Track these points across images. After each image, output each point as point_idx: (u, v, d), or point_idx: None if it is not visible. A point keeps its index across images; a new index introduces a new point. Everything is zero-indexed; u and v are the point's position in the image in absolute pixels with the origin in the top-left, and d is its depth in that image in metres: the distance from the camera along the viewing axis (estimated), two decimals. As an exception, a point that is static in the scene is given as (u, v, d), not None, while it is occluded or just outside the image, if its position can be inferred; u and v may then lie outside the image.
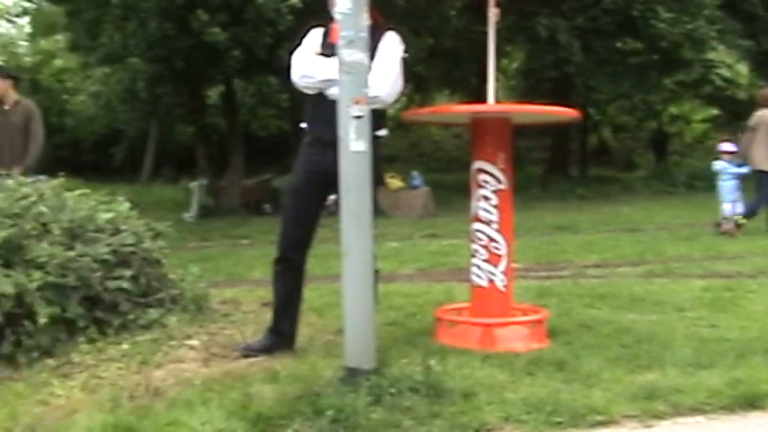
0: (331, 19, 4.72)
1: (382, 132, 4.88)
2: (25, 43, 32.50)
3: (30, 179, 6.25)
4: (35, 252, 5.18)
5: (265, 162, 21.40)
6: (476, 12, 17.83)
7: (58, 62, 29.11)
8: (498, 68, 6.54)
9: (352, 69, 4.17)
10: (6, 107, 8.59)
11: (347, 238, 4.22)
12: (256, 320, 5.99)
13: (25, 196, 5.67)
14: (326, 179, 4.57)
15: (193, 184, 16.89)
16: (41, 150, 8.60)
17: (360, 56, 4.18)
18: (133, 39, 16.43)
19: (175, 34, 15.64)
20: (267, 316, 5.69)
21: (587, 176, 25.28)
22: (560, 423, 3.85)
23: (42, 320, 4.95)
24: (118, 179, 20.50)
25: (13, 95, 8.67)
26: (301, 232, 5.01)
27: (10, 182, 5.99)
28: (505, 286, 5.45)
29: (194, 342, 5.39)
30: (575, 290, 7.27)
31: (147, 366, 4.93)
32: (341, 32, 4.20)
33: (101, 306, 5.43)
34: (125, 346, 5.23)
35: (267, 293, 6.51)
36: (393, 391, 4.07)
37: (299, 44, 5.00)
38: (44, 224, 5.44)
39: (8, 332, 4.93)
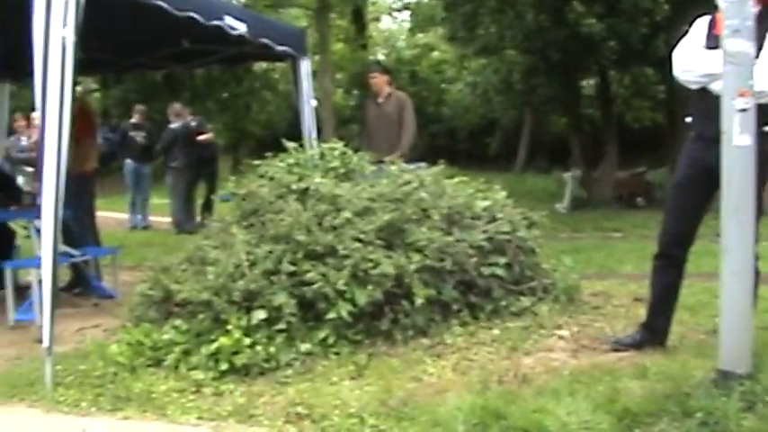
0: (715, 8, 4.49)
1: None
2: (405, 37, 34.00)
3: (411, 166, 6.55)
4: (415, 236, 5.42)
5: (638, 155, 20.87)
6: None
7: (436, 54, 30.14)
8: None
9: (736, 60, 3.94)
10: (380, 100, 9.10)
11: (727, 236, 4.02)
12: (627, 315, 5.88)
13: (407, 182, 5.95)
14: (710, 175, 4.36)
15: (567, 175, 16.84)
16: (414, 139, 9.01)
17: (745, 45, 3.94)
18: (509, 30, 16.66)
19: (551, 26, 15.67)
20: (638, 311, 5.57)
21: None
22: None
23: (419, 301, 5.17)
24: (492, 168, 20.87)
25: (386, 89, 9.16)
26: (683, 228, 4.83)
27: (393, 168, 6.31)
28: None
29: (564, 332, 5.39)
30: None
31: (517, 353, 5.01)
32: (725, 21, 3.98)
33: (474, 291, 5.58)
34: (496, 332, 5.34)
35: (639, 288, 6.38)
36: (768, 399, 3.84)
37: (683, 36, 4.80)
38: (424, 209, 5.68)
39: (387, 310, 5.21)
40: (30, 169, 12.45)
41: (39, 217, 5.04)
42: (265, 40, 7.28)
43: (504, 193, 6.39)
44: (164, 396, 4.55)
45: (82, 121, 6.77)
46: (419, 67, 29.38)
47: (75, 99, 5.07)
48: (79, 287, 7.88)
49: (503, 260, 5.72)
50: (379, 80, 9.16)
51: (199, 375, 4.79)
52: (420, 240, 5.39)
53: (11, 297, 6.68)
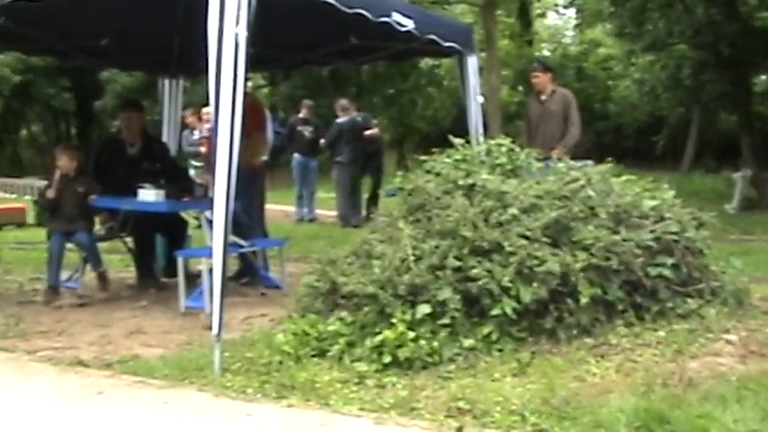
0: None
1: None
2: (571, 33, 33.60)
3: (577, 164, 6.47)
4: (581, 234, 5.36)
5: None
6: None
7: (603, 50, 29.67)
8: None
9: None
10: (544, 97, 9.04)
11: None
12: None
13: (574, 180, 5.88)
14: None
15: (736, 175, 16.29)
16: (578, 137, 8.90)
17: None
18: (678, 25, 16.28)
19: (722, 19, 15.22)
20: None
21: None
22: None
23: (584, 300, 5.11)
24: (658, 167, 20.41)
25: (550, 86, 9.08)
26: None
27: (560, 166, 6.25)
28: None
29: (732, 337, 5.21)
30: None
31: (682, 356, 4.87)
32: None
33: (640, 291, 5.46)
34: (661, 334, 5.21)
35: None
36: None
37: None
38: (591, 207, 5.60)
39: (551, 308, 5.16)
40: (198, 163, 12.96)
41: (210, 208, 5.22)
42: (433, 37, 7.32)
43: (672, 193, 6.23)
44: (327, 386, 4.65)
45: (252, 115, 6.98)
46: (586, 64, 28.97)
47: (246, 94, 5.23)
48: (247, 277, 8.13)
49: (670, 261, 5.58)
50: (541, 79, 9.11)
51: (362, 367, 4.87)
52: (586, 239, 5.32)
53: (182, 285, 6.96)
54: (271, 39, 5.68)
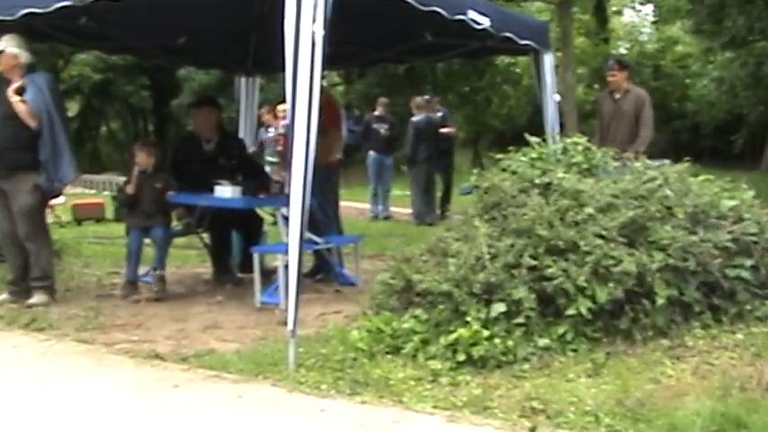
0: None
1: None
2: (648, 30, 33.13)
3: (654, 163, 6.39)
4: (658, 234, 5.30)
5: None
6: None
7: (680, 48, 29.23)
8: None
9: None
10: (618, 96, 8.94)
11: None
12: None
13: (651, 179, 5.82)
14: None
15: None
16: (649, 139, 8.77)
17: None
18: (759, 22, 15.98)
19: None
20: None
21: None
22: None
23: (660, 301, 5.05)
24: (736, 166, 20.00)
25: (625, 85, 8.97)
26: None
27: (637, 165, 6.19)
28: None
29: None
30: None
31: (761, 359, 4.77)
32: None
33: (718, 293, 5.38)
34: (739, 336, 5.13)
35: None
36: None
37: None
38: (668, 207, 5.53)
39: (627, 309, 5.11)
40: (274, 159, 13.08)
41: (286, 205, 5.27)
42: (508, 34, 7.29)
43: (751, 193, 6.13)
44: (401, 383, 4.66)
45: (328, 113, 7.02)
46: (663, 62, 28.56)
47: (322, 92, 5.26)
48: (322, 274, 8.18)
49: (749, 262, 5.48)
50: (618, 77, 9.01)
51: (436, 365, 4.87)
52: (663, 239, 5.26)
53: (258, 280, 7.03)
54: (346, 36, 5.70)
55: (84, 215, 15.92)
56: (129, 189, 7.69)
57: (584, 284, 4.99)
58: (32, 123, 7.01)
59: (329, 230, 8.06)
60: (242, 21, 8.24)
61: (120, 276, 8.12)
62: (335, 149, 8.28)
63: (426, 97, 15.02)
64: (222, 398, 4.63)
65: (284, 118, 12.76)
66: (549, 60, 8.07)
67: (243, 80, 9.90)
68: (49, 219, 8.58)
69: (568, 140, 6.60)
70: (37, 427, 4.23)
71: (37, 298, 7.16)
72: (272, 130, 13.71)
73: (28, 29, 7.13)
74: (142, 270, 7.84)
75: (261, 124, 12.84)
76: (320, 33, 5.04)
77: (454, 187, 14.39)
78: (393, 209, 15.48)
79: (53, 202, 9.53)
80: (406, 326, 5.26)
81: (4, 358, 5.63)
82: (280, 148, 12.97)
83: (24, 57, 7.17)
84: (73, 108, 32.92)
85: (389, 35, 8.26)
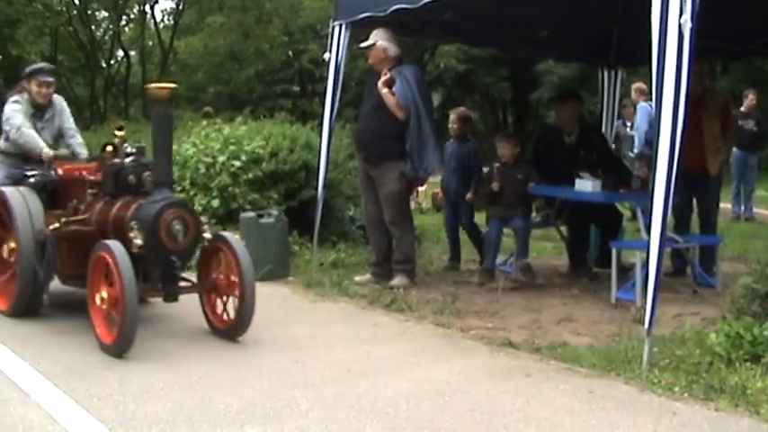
0: None
1: None
2: None
3: None
4: None
5: None
6: None
7: None
8: None
9: None
10: None
11: None
12: None
13: None
14: None
15: None
16: None
17: None
18: None
19: None
20: None
21: None
22: None
23: None
24: None
25: None
26: None
27: None
28: None
29: None
30: None
31: None
32: None
33: None
34: None
35: None
36: None
37: None
38: None
39: None
40: (633, 154, 12.81)
41: (648, 202, 5.15)
42: None
43: None
44: (759, 393, 4.43)
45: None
46: None
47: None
48: (680, 274, 7.93)
49: None
50: None
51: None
52: None
53: (614, 276, 6.95)
54: (710, 28, 5.44)
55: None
56: (494, 186, 7.82)
57: None
58: (400, 114, 7.40)
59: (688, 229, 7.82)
60: (604, 13, 8.15)
61: (477, 264, 8.36)
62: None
63: None
64: (573, 391, 4.67)
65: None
66: None
67: (605, 73, 9.80)
68: (411, 205, 8.99)
69: None
70: (394, 403, 4.47)
71: (398, 280, 7.56)
72: (628, 123, 13.44)
73: (397, 23, 7.52)
74: (499, 259, 8.02)
75: (621, 117, 12.61)
76: (688, 26, 4.87)
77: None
78: (757, 210, 14.64)
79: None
80: (767, 333, 4.98)
81: (366, 335, 6.04)
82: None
83: (393, 50, 7.58)
84: (435, 99, 34.21)
85: (761, 26, 7.79)
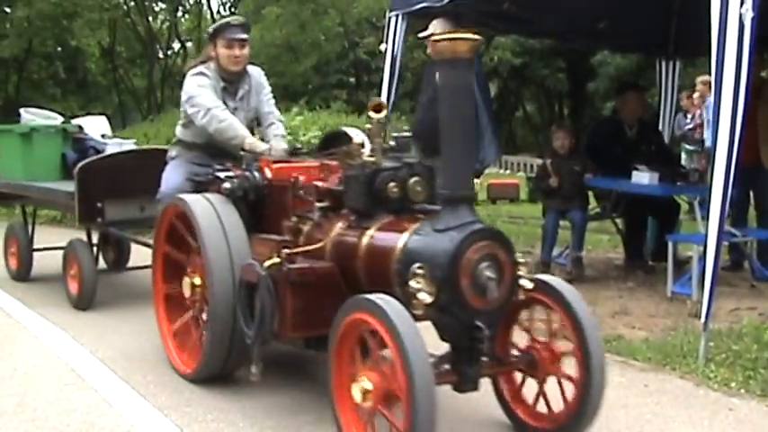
0: None
1: None
2: None
3: None
4: None
5: None
6: None
7: None
8: None
9: None
10: None
11: None
12: None
13: None
14: None
15: None
16: None
17: None
18: None
19: None
20: None
21: None
22: None
23: None
24: None
25: None
26: None
27: None
28: None
29: None
30: None
31: None
32: None
33: None
34: None
35: None
36: None
37: None
38: None
39: None
40: (690, 147, 12.67)
41: (706, 195, 5.10)
42: None
43: None
44: (816, 391, 4.38)
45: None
46: None
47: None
48: (737, 268, 7.83)
49: None
50: None
51: None
52: None
53: (671, 269, 6.89)
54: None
55: (498, 194, 16.51)
56: (553, 182, 7.80)
57: None
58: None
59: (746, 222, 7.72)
60: (663, 3, 8.07)
61: (533, 256, 8.34)
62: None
63: None
64: (627, 384, 4.66)
65: (698, 106, 12.39)
66: None
67: (663, 64, 9.70)
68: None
69: None
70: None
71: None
72: (689, 116, 13.27)
73: (453, 14, 7.51)
74: (555, 251, 7.99)
75: (679, 109, 12.46)
76: (749, 16, 4.80)
77: None
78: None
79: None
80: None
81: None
82: (698, 136, 12.52)
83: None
84: (491, 90, 34.07)
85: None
